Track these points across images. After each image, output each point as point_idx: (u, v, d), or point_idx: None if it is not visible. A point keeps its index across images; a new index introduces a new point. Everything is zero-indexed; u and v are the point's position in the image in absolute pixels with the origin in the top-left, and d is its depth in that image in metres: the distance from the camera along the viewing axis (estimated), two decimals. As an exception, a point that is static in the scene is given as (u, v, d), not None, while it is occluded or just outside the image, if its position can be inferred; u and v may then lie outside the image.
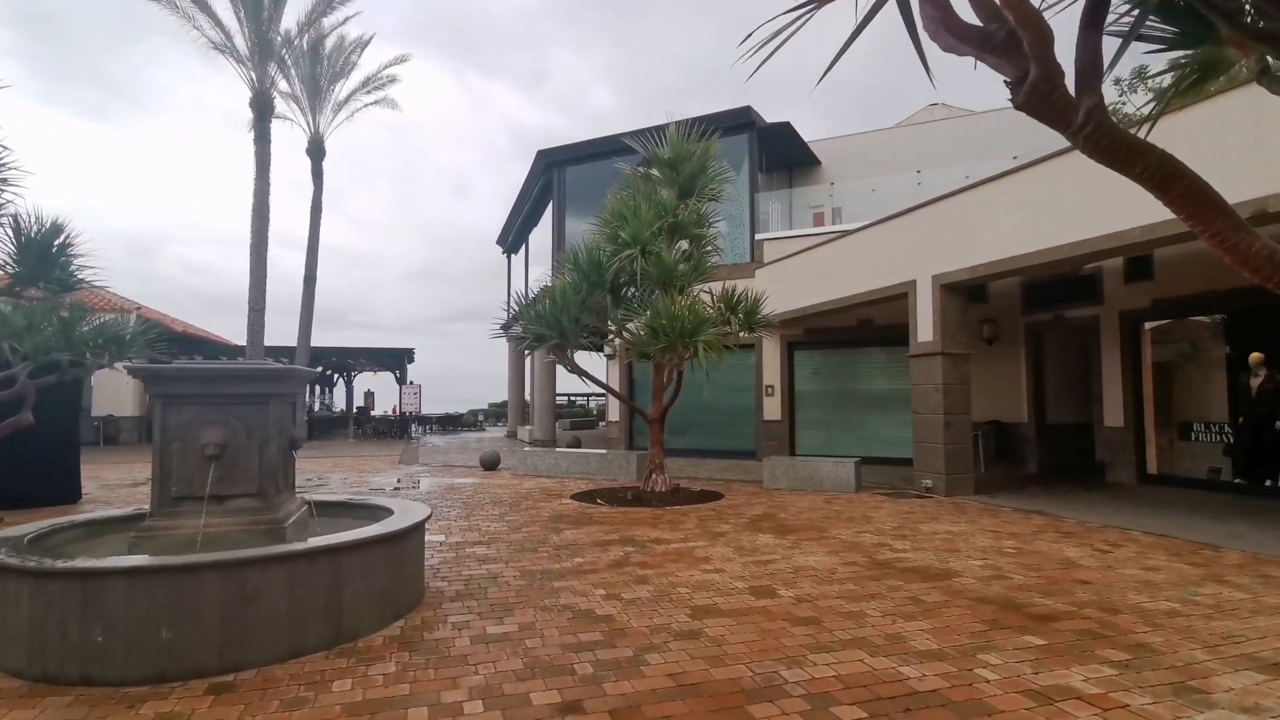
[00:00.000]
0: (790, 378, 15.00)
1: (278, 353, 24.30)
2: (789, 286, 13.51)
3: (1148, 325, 10.71)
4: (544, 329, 9.39)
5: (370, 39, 23.13)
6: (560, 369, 11.02)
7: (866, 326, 13.95)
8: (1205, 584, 5.09)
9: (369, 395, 33.23)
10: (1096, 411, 11.32)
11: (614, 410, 17.62)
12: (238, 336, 21.92)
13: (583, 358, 10.53)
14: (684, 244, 10.09)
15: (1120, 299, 10.86)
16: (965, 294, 10.06)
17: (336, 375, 31.78)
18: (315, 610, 3.73)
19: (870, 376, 14.36)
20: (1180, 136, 6.46)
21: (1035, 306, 12.39)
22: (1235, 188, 5.88)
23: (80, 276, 8.00)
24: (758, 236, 15.44)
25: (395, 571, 4.28)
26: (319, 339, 23.14)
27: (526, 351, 9.71)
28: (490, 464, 13.42)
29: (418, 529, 4.67)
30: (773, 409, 15.00)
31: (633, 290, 9.78)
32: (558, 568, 5.62)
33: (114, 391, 21.53)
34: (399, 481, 11.29)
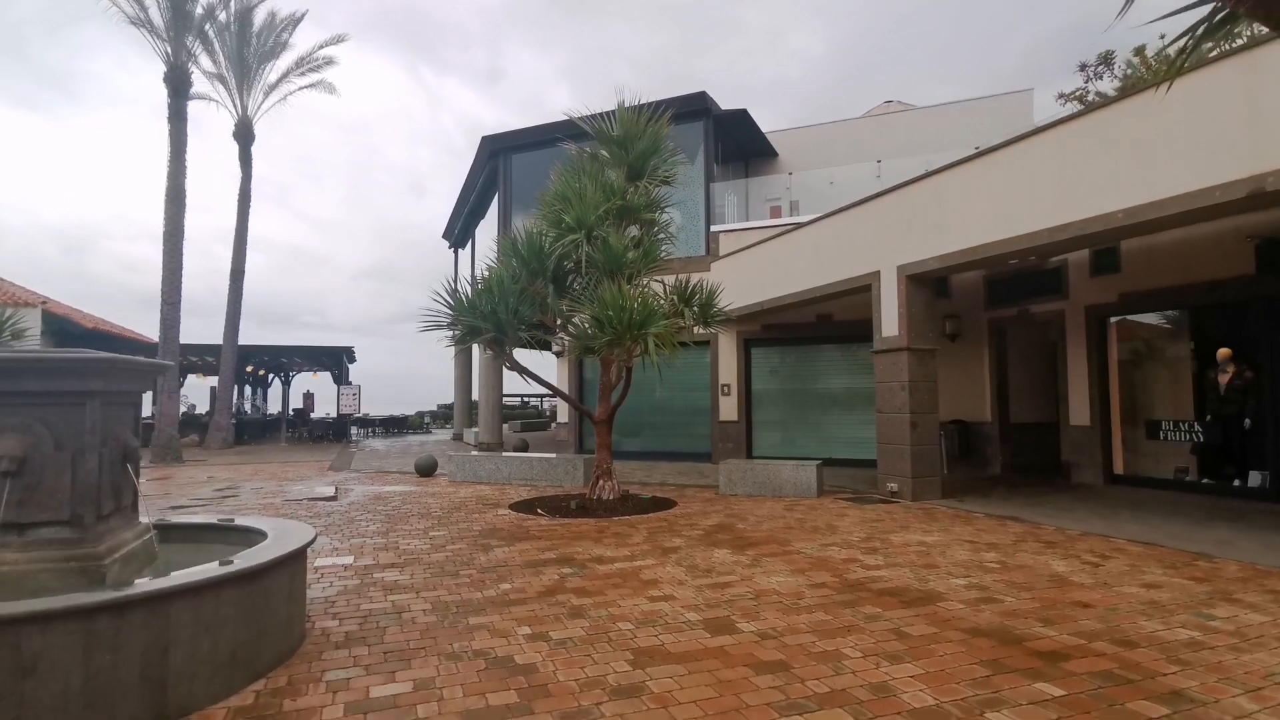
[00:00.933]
0: (747, 376, 14.34)
1: (200, 350, 22.65)
2: (746, 280, 12.84)
3: (1114, 320, 10.35)
4: (478, 321, 8.45)
5: (303, 15, 21.65)
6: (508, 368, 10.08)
7: (826, 322, 13.38)
8: (1216, 604, 4.50)
9: (308, 396, 31.49)
10: (1062, 410, 10.92)
11: (564, 411, 16.72)
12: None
13: (535, 356, 9.62)
14: (634, 230, 9.28)
15: (1086, 293, 10.48)
16: (932, 286, 9.50)
17: (272, 375, 30.01)
18: (126, 682, 2.78)
19: (830, 374, 13.80)
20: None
21: (999, 301, 11.98)
22: None
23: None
24: (713, 228, 14.76)
25: (254, 619, 3.34)
26: (269, 339, 21.61)
27: (459, 347, 8.73)
28: (426, 470, 12.38)
29: (291, 560, 3.73)
30: (729, 409, 14.32)
31: (577, 279, 8.93)
32: (479, 598, 4.74)
33: None
34: (334, 491, 10.18)
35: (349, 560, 5.84)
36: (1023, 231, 7.52)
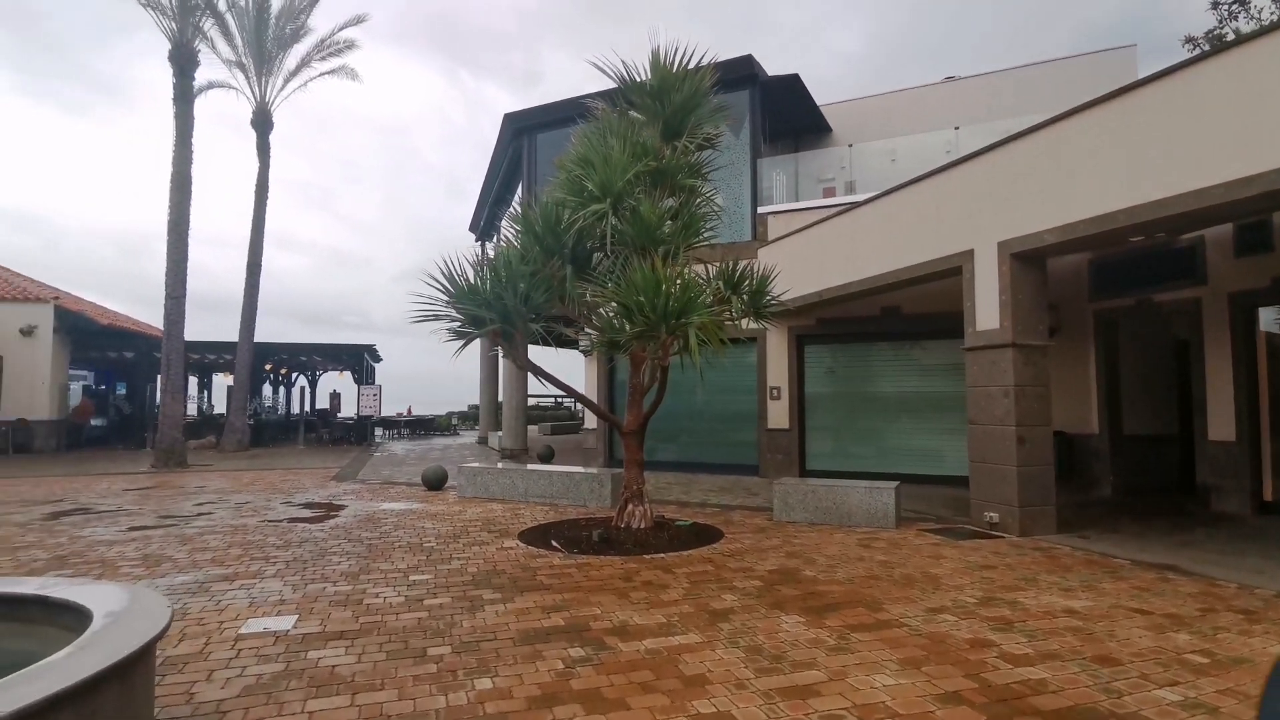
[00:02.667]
0: (800, 378, 12.58)
1: (216, 348, 21.75)
2: (800, 267, 11.09)
3: (1267, 311, 8.35)
4: (480, 310, 6.92)
5: (320, -4, 20.46)
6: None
7: (893, 315, 11.55)
8: None
9: (334, 397, 30.61)
10: (1198, 422, 8.93)
11: (593, 416, 15.17)
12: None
13: (562, 356, 8.05)
14: (670, 202, 7.65)
15: (1229, 278, 8.50)
16: (1042, 267, 7.66)
17: (296, 375, 29.14)
18: None
19: (897, 376, 11.96)
20: None
21: (1108, 289, 10.01)
22: None
23: None
24: (761, 210, 13.04)
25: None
26: (313, 339, 20.58)
27: (459, 342, 7.20)
28: (434, 483, 10.94)
29: (83, 692, 2.19)
30: (779, 415, 12.58)
31: (603, 259, 7.35)
32: (439, 707, 3.17)
33: (27, 391, 18.91)
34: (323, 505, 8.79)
35: (287, 625, 4.33)
36: (1185, 189, 5.67)
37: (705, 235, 7.82)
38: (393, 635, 4.17)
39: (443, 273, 6.96)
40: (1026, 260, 7.39)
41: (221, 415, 23.71)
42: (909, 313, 11.39)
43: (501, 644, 4.03)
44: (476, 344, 7.71)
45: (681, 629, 4.30)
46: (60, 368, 19.71)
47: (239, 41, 20.26)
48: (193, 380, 28.97)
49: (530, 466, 10.39)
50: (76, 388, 22.92)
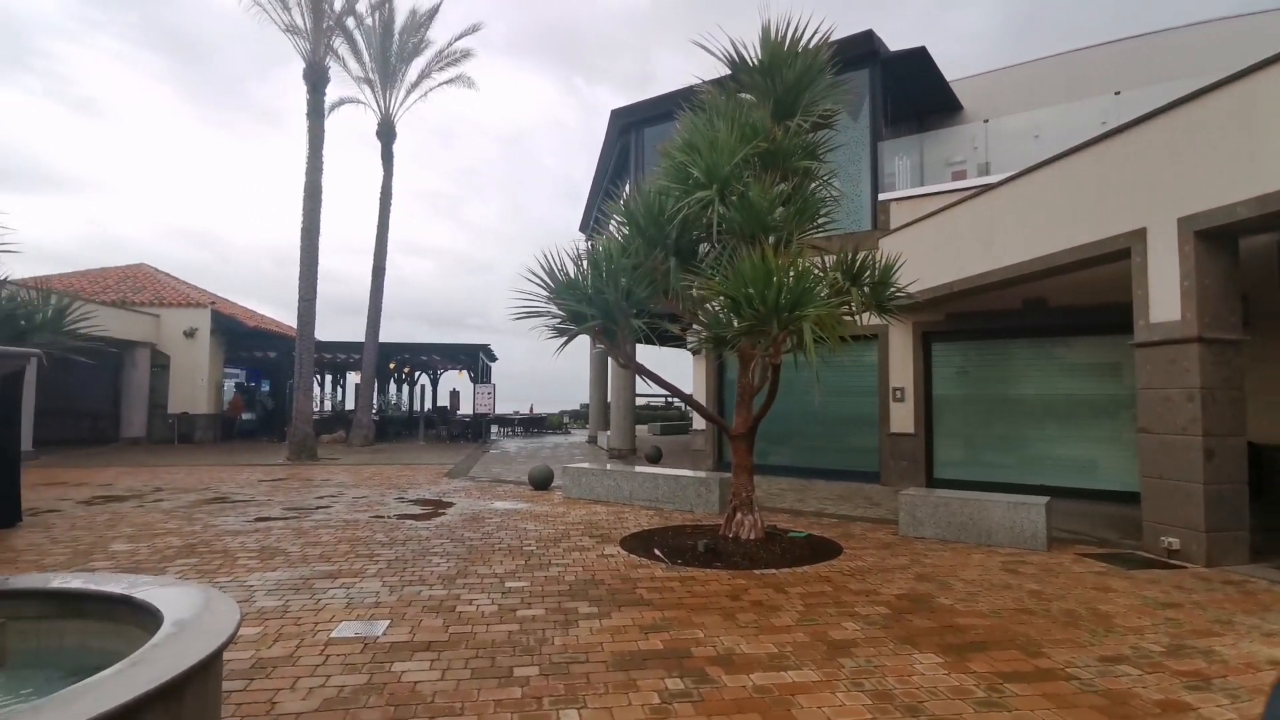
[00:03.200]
0: (927, 378, 11.52)
1: (346, 348, 23.13)
2: (927, 257, 10.11)
3: None
4: (581, 305, 6.64)
5: (439, 5, 21.22)
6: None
7: (1037, 308, 10.30)
8: None
9: (454, 395, 31.93)
10: None
11: (700, 418, 14.69)
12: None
13: (671, 355, 7.67)
14: (782, 186, 7.05)
15: None
16: (1234, 247, 6.43)
17: (419, 374, 30.62)
18: None
19: (1041, 376, 10.66)
20: None
21: (1315, 274, 8.38)
22: None
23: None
24: (881, 197, 12.07)
25: None
26: (437, 338, 21.65)
27: (559, 340, 6.96)
28: (540, 482, 10.87)
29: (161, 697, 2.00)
30: (903, 419, 11.58)
31: (707, 249, 6.88)
32: (519, 745, 2.84)
33: (189, 388, 20.88)
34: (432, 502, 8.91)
35: (377, 631, 4.19)
36: None
37: (821, 222, 7.18)
38: (480, 650, 3.91)
39: (543, 268, 6.74)
40: (1214, 239, 6.21)
41: (351, 411, 25.25)
42: (1057, 305, 10.12)
43: (593, 668, 3.67)
44: (585, 342, 7.47)
45: (795, 662, 3.76)
46: (216, 366, 21.62)
47: (366, 58, 21.42)
48: (327, 378, 31.17)
49: (636, 469, 10.08)
50: (230, 385, 25.10)
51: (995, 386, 11.04)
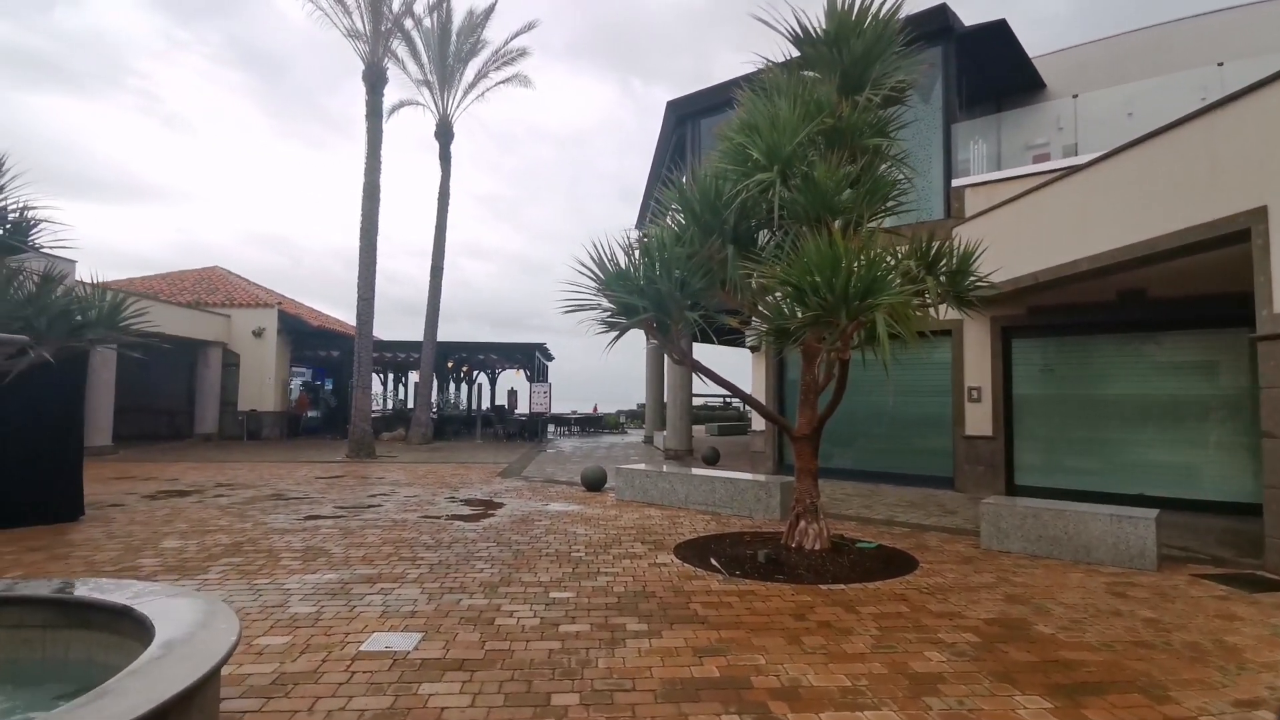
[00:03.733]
0: (1006, 377, 10.67)
1: (405, 347, 23.43)
2: (1007, 246, 9.28)
3: None
4: (632, 297, 6.24)
5: (495, 4, 21.21)
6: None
7: (1135, 300, 9.36)
8: None
9: (512, 394, 32.10)
10: None
11: (760, 418, 14.11)
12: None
13: (730, 353, 7.21)
14: (850, 167, 6.48)
15: None
16: (1387, 222, 5.55)
17: (477, 373, 30.87)
18: None
19: (1138, 375, 9.70)
20: None
21: None
22: None
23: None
24: (956, 183, 11.28)
25: None
26: (497, 338, 21.85)
27: (611, 334, 6.58)
28: (594, 483, 10.54)
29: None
30: (979, 420, 10.76)
31: (768, 236, 6.38)
32: (551, 793, 2.45)
33: (257, 386, 21.52)
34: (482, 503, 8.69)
35: (409, 645, 3.88)
36: None
37: (891, 205, 6.58)
38: (517, 671, 3.55)
39: (592, 258, 6.37)
40: (1364, 213, 5.35)
41: (412, 410, 25.61)
42: (1157, 296, 9.18)
43: (640, 697, 3.26)
44: (641, 340, 7.08)
45: (873, 700, 3.27)
46: (283, 365, 22.22)
47: (424, 59, 21.60)
48: (389, 377, 31.78)
49: (692, 471, 9.63)
50: (296, 383, 25.81)
51: (1084, 386, 10.11)
